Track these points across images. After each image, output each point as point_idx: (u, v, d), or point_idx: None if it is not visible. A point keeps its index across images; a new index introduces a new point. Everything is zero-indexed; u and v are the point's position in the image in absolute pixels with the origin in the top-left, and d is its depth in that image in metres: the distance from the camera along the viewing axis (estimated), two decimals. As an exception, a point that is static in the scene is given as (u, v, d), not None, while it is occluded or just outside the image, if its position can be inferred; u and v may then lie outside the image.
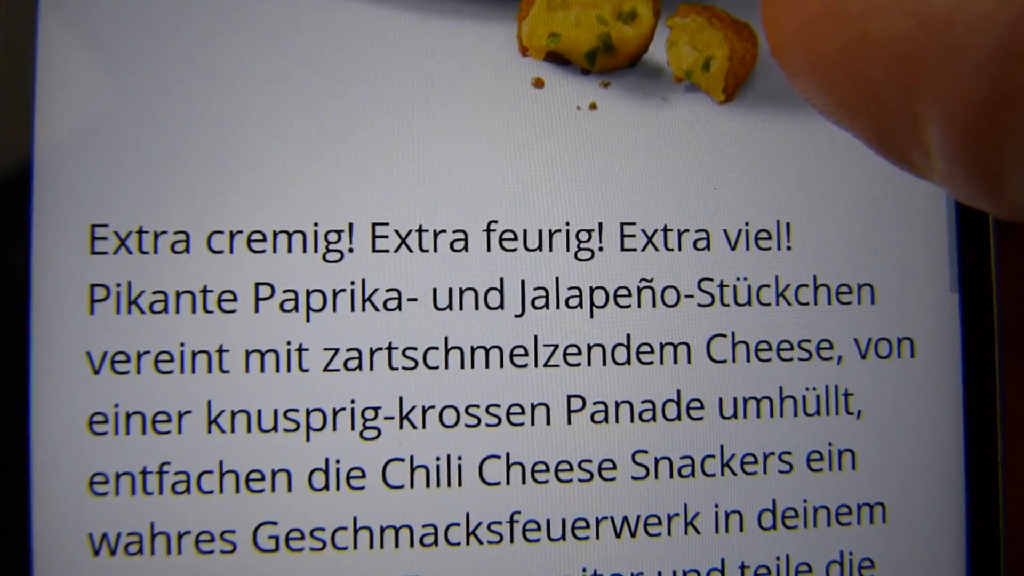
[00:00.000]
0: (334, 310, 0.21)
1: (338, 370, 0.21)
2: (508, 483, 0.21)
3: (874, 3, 0.11)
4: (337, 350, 0.21)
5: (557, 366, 0.21)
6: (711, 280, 0.22)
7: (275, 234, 0.21)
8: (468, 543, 0.21)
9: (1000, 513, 0.22)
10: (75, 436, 0.20)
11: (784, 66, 0.12)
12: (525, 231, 0.21)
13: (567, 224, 0.21)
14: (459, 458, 0.21)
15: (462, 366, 0.21)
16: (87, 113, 0.21)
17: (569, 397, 0.21)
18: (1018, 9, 0.10)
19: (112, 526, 0.20)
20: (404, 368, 0.21)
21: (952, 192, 0.12)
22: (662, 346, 0.21)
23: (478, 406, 0.21)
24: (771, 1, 0.12)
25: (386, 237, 0.21)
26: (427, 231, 0.21)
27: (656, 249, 0.22)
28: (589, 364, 0.21)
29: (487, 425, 0.21)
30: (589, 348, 0.21)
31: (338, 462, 0.21)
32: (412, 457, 0.21)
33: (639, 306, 0.21)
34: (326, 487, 0.21)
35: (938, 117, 0.11)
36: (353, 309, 0.21)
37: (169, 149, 0.21)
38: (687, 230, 0.22)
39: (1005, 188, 0.11)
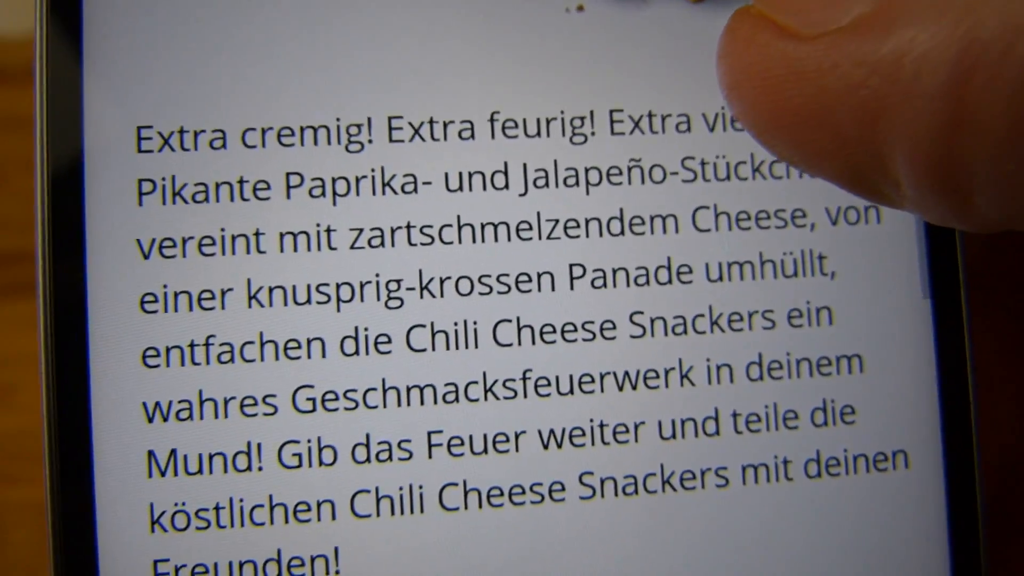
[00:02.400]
0: (357, 195, 0.23)
1: (363, 248, 0.23)
2: (520, 344, 0.23)
3: (827, 60, 0.12)
4: (361, 230, 0.23)
5: (559, 238, 0.24)
6: (693, 159, 0.24)
7: (302, 129, 0.23)
8: (486, 399, 0.23)
9: (967, 355, 0.24)
10: (129, 315, 0.23)
11: (751, 127, 0.13)
12: (524, 120, 0.24)
13: (562, 112, 0.24)
14: (475, 323, 0.23)
15: (473, 240, 0.23)
16: (133, 23, 0.23)
17: (571, 265, 0.24)
18: (959, 44, 0.11)
19: (164, 395, 0.23)
20: (422, 244, 0.23)
21: (923, 215, 0.13)
22: (652, 218, 0.24)
23: (489, 275, 0.23)
24: (730, 69, 0.13)
25: (401, 129, 0.24)
26: (437, 122, 0.24)
27: (643, 132, 0.24)
28: (587, 236, 0.24)
29: (498, 292, 0.23)
30: (587, 221, 0.24)
31: (366, 329, 0.23)
32: (432, 323, 0.23)
33: (629, 183, 0.24)
34: (356, 352, 0.23)
35: (903, 151, 0.12)
36: (374, 193, 0.23)
37: (205, 54, 0.23)
38: (669, 115, 0.24)
39: (973, 205, 0.12)
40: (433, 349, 0.23)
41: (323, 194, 0.23)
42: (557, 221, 0.24)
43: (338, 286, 0.23)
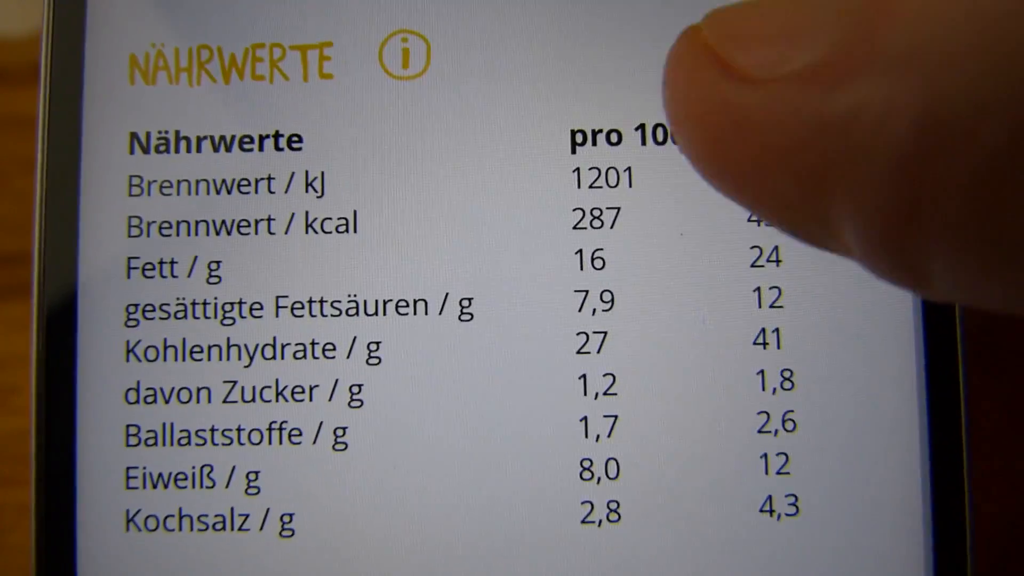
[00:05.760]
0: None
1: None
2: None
3: (771, 113, 0.10)
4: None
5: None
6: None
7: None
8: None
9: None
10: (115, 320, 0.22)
11: (694, 166, 0.12)
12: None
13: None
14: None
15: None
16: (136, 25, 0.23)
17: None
18: (917, 112, 0.09)
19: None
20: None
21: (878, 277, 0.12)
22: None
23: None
24: (672, 102, 0.12)
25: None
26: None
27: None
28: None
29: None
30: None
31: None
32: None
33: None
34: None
35: (851, 222, 0.10)
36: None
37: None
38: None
39: (930, 283, 0.10)
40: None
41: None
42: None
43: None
